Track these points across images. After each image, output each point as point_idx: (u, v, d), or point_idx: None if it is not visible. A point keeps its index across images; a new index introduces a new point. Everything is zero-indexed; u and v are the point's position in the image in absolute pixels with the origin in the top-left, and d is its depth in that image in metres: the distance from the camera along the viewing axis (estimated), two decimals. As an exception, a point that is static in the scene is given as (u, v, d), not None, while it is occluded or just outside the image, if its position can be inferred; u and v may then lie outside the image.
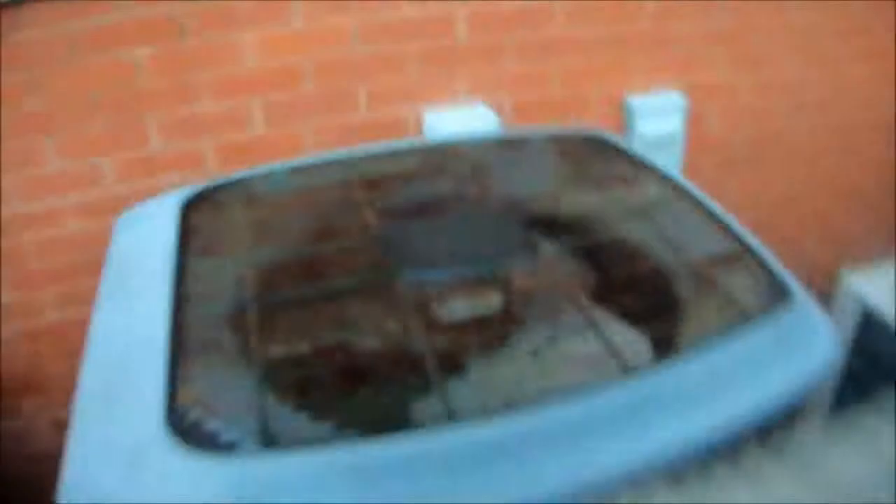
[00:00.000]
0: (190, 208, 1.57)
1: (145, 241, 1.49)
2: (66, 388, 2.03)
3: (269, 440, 1.02)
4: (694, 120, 2.60)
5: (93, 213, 2.25)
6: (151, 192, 1.84)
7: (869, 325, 2.54)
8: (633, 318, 1.22)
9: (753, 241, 1.38)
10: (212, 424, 1.04)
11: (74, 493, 0.99)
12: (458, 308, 1.26)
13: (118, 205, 1.91)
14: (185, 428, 1.03)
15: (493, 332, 1.23)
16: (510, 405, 1.04)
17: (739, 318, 1.19)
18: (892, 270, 2.70)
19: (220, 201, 1.60)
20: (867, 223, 3.16)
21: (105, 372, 1.18)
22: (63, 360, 2.41)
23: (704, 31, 2.54)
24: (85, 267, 2.27)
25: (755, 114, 2.75)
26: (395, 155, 1.73)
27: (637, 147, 1.71)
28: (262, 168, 1.71)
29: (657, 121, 2.50)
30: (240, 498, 0.96)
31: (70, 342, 2.34)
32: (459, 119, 2.29)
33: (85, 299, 2.22)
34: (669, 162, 1.61)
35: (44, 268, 2.33)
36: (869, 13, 2.69)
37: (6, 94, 2.07)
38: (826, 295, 2.67)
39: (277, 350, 1.18)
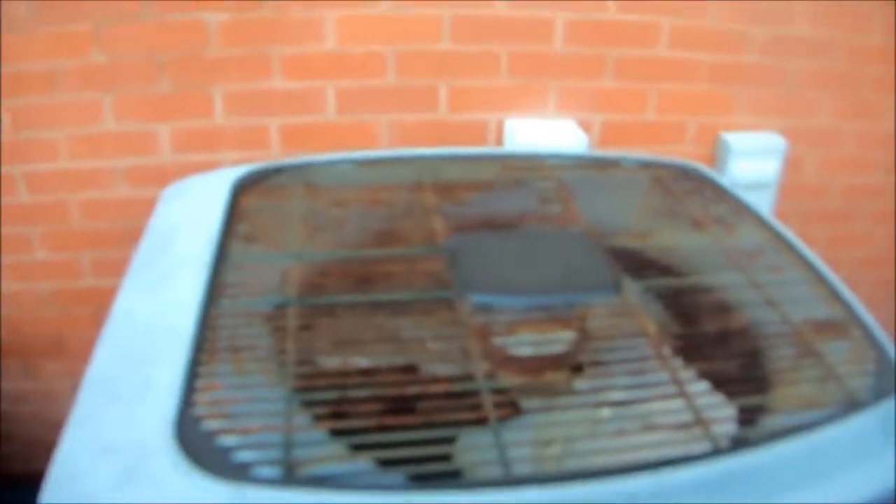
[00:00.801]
0: (242, 188, 1.44)
1: (188, 219, 1.36)
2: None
3: (290, 470, 0.88)
4: (790, 164, 2.44)
5: (144, 181, 2.16)
6: (207, 167, 1.74)
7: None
8: (724, 384, 1.07)
9: (863, 311, 1.22)
10: (226, 441, 0.90)
11: (58, 493, 0.85)
12: (526, 342, 1.11)
13: (171, 175, 1.81)
14: (195, 441, 0.89)
15: (563, 376, 1.08)
16: (575, 470, 0.88)
17: (845, 399, 1.03)
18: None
19: (275, 185, 1.47)
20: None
21: (119, 359, 1.04)
22: (94, 327, 2.32)
23: (814, 72, 2.38)
24: (129, 235, 2.16)
25: (854, 165, 2.60)
26: (473, 161, 1.59)
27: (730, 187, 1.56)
28: (326, 156, 1.58)
29: (753, 161, 2.34)
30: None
31: (103, 310, 2.27)
32: (545, 132, 2.16)
33: (123, 269, 2.17)
34: (761, 206, 1.46)
35: (86, 229, 2.25)
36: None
37: (70, 43, 1.98)
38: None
39: (315, 363, 1.03)
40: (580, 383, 1.07)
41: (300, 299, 1.14)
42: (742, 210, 1.47)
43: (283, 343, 1.06)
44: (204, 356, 1.02)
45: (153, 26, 1.99)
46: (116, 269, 2.13)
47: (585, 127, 2.24)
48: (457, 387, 0.98)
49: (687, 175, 1.59)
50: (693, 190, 1.53)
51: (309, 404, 0.97)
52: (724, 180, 1.59)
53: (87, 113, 2.08)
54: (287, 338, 1.06)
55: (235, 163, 1.68)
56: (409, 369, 1.02)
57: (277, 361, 1.03)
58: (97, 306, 2.30)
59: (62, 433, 0.92)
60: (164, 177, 1.86)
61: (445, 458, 0.90)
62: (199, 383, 0.97)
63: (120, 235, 2.21)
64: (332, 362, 1.04)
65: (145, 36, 2.00)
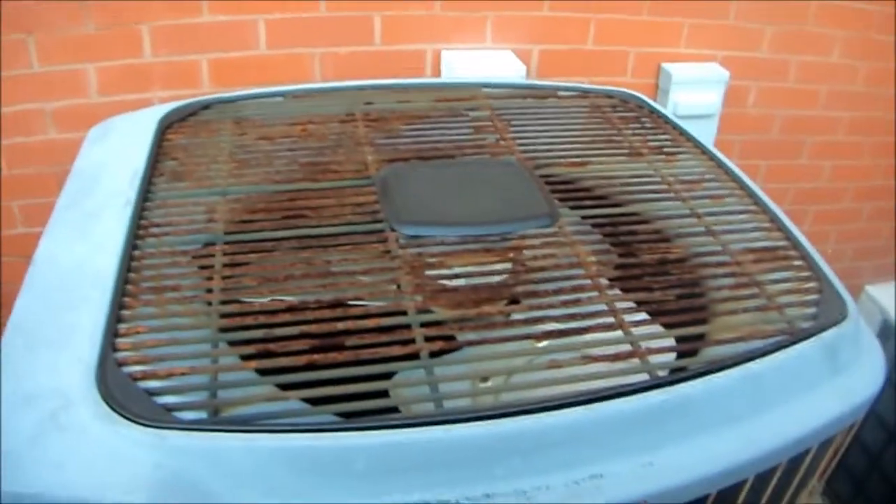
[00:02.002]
0: (169, 126, 1.39)
1: (113, 158, 1.31)
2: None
3: (215, 413, 0.84)
4: (732, 96, 2.43)
5: (72, 123, 2.09)
6: (138, 107, 1.69)
7: (888, 342, 2.39)
8: (662, 314, 1.05)
9: (805, 240, 1.21)
10: (149, 386, 0.86)
11: (-23, 446, 0.81)
12: (460, 274, 1.08)
13: (100, 117, 1.75)
14: (117, 386, 0.85)
15: (497, 308, 1.06)
16: (511, 404, 0.86)
17: (786, 328, 1.02)
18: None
19: (203, 121, 1.42)
20: (893, 234, 3.02)
21: (40, 305, 1.00)
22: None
23: (757, 3, 2.36)
24: (59, 180, 2.10)
25: (798, 99, 2.59)
26: (406, 91, 1.54)
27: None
28: (255, 90, 1.53)
29: (695, 92, 2.33)
30: (169, 478, 0.79)
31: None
32: (482, 63, 2.13)
33: None
34: (703, 137, 1.43)
35: (14, 176, 2.17)
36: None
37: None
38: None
39: (242, 302, 1.00)
40: (515, 315, 1.05)
41: (227, 236, 1.10)
42: (682, 139, 1.45)
43: (209, 282, 1.02)
44: (127, 299, 0.98)
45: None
46: (48, 215, 2.09)
47: (524, 57, 2.20)
48: (388, 321, 0.95)
49: (626, 103, 1.57)
50: (632, 118, 1.51)
51: (236, 344, 0.94)
52: (664, 109, 1.57)
53: (11, 56, 2.00)
54: (213, 276, 1.03)
55: (166, 101, 1.63)
56: (340, 305, 0.99)
57: (203, 301, 1.00)
58: (30, 256, 2.26)
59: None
60: (94, 118, 1.80)
61: (377, 395, 0.87)
62: (122, 327, 0.94)
63: (50, 181, 2.14)
64: (259, 300, 1.00)
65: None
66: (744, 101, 2.52)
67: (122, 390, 0.85)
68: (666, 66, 2.34)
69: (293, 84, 1.56)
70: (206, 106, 1.46)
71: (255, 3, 2.02)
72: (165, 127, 1.38)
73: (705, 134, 2.24)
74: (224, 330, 0.95)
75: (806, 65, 2.54)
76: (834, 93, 2.63)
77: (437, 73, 2.18)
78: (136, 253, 1.06)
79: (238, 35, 2.05)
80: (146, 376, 0.87)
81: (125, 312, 0.96)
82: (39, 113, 2.06)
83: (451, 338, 0.99)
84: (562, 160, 1.34)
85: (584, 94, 1.59)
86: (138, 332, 0.93)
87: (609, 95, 1.59)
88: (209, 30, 2.03)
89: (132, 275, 1.02)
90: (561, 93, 1.59)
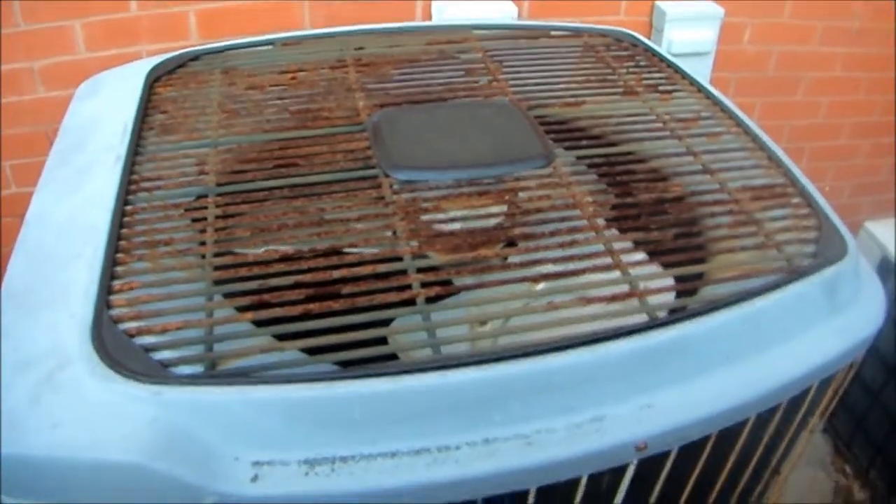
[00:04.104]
0: (158, 79, 1.37)
1: (103, 114, 1.29)
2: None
3: (211, 366, 0.84)
4: (727, 33, 2.40)
5: (61, 81, 2.06)
6: (126, 62, 1.67)
7: (888, 278, 2.38)
8: (660, 254, 1.04)
9: (802, 176, 1.19)
10: (145, 341, 0.86)
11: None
12: (455, 218, 1.07)
13: (88, 73, 1.73)
14: (113, 343, 0.85)
15: (494, 251, 1.05)
16: (510, 348, 0.85)
17: (785, 266, 1.01)
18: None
19: (192, 73, 1.40)
20: (892, 170, 3.01)
21: (34, 264, 0.99)
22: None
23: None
24: (48, 138, 2.10)
25: (792, 34, 2.56)
26: (396, 35, 1.52)
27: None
28: (243, 39, 1.51)
29: (690, 29, 2.30)
30: (166, 433, 0.78)
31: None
32: (474, 8, 2.09)
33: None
34: (699, 75, 1.42)
35: (4, 136, 2.15)
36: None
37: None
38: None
39: (236, 253, 0.99)
40: (512, 258, 1.04)
41: (218, 188, 1.09)
42: (677, 76, 1.43)
43: (202, 235, 1.01)
44: (120, 255, 0.97)
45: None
46: (39, 174, 2.08)
47: (517, 1, 2.17)
48: (384, 268, 0.95)
49: (619, 42, 1.54)
50: (626, 57, 1.49)
51: (231, 296, 0.94)
52: (659, 47, 1.55)
53: (6, 14, 1.97)
54: (206, 229, 1.02)
55: (154, 55, 1.61)
56: (334, 253, 0.98)
57: (197, 254, 0.99)
58: (24, 215, 2.25)
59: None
60: (82, 75, 1.78)
61: (375, 342, 0.86)
62: (116, 283, 0.93)
63: (40, 139, 2.12)
64: (253, 251, 0.99)
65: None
66: (739, 37, 2.49)
67: (117, 347, 0.84)
68: (660, 3, 2.31)
69: (282, 32, 1.54)
70: (194, 57, 1.44)
71: None
72: (154, 80, 1.37)
73: (701, 72, 2.23)
74: (218, 282, 0.94)
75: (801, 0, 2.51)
76: (830, 28, 2.60)
77: (428, 19, 2.15)
78: (128, 208, 1.05)
79: None
80: (141, 332, 0.87)
81: (119, 269, 0.95)
82: (27, 72, 2.03)
83: (447, 283, 0.98)
84: (556, 100, 1.32)
85: (577, 33, 1.57)
86: (132, 288, 0.92)
87: (602, 34, 1.57)
88: None
89: (125, 230, 1.01)
90: (553, 33, 1.57)
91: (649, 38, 2.14)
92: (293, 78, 1.36)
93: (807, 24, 2.57)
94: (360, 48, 1.46)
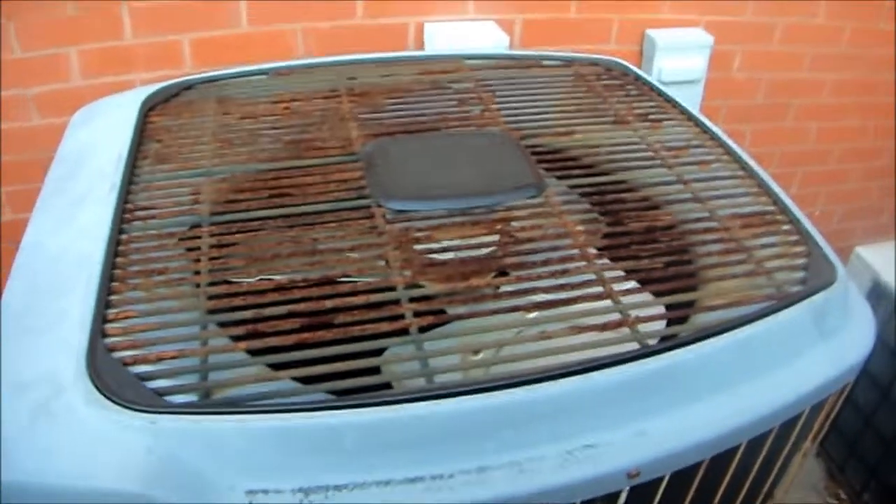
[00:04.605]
0: (152, 107, 1.38)
1: (97, 142, 1.30)
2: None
3: (206, 395, 0.85)
4: (717, 60, 2.43)
5: (55, 108, 2.07)
6: (120, 89, 1.68)
7: (880, 303, 2.39)
8: (651, 282, 1.05)
9: (791, 203, 1.21)
10: (140, 370, 0.86)
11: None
12: (447, 247, 1.08)
13: (83, 100, 1.74)
14: (108, 371, 0.85)
15: (486, 280, 1.06)
16: (502, 377, 0.86)
17: (774, 293, 1.02)
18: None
19: (187, 102, 1.41)
20: (883, 194, 3.03)
21: (29, 291, 1.00)
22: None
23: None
24: (43, 166, 2.10)
25: (783, 62, 2.59)
26: (389, 65, 1.54)
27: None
28: (237, 68, 1.52)
29: (680, 57, 2.33)
30: (161, 462, 0.79)
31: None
32: (466, 34, 2.11)
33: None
34: (689, 103, 1.43)
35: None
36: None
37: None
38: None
39: (230, 282, 1.00)
40: (504, 287, 1.04)
41: (213, 217, 1.10)
42: (667, 105, 1.45)
43: (197, 264, 1.02)
44: (115, 283, 0.98)
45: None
46: (34, 201, 2.09)
47: (507, 27, 2.19)
48: (377, 297, 0.95)
49: (610, 71, 1.56)
50: (616, 86, 1.50)
51: (225, 325, 0.94)
52: (649, 76, 1.56)
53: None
54: (200, 258, 1.03)
55: (149, 83, 1.62)
56: (328, 282, 0.99)
57: (191, 283, 0.99)
58: (18, 242, 2.25)
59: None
60: (77, 103, 1.79)
61: (368, 371, 0.87)
62: (111, 312, 0.94)
63: (35, 167, 2.12)
64: (247, 280, 1.00)
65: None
66: (729, 65, 2.52)
67: (112, 375, 0.85)
68: (650, 32, 2.33)
69: (276, 61, 1.56)
70: (188, 86, 1.45)
71: None
72: (149, 109, 1.38)
73: (691, 99, 2.25)
74: (213, 311, 0.95)
75: (791, 27, 2.53)
76: (819, 55, 2.63)
77: (420, 45, 2.17)
78: (123, 237, 1.06)
79: (219, 13, 2.04)
80: (136, 361, 0.87)
81: (113, 297, 0.96)
82: (21, 99, 2.04)
83: (440, 312, 0.99)
84: (547, 130, 1.34)
85: (568, 62, 1.58)
86: (127, 317, 0.93)
87: (593, 63, 1.58)
88: (190, 8, 2.02)
89: (119, 259, 1.02)
90: (544, 62, 1.58)
91: (640, 66, 2.17)
92: (287, 108, 1.37)
93: (796, 51, 2.59)
94: (353, 78, 1.47)
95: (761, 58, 2.57)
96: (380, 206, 1.11)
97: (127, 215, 1.10)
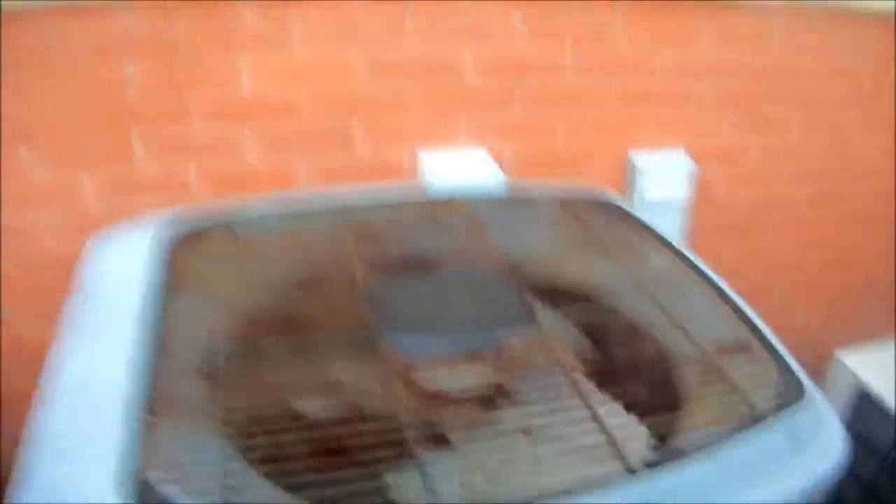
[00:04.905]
0: (169, 239, 1.47)
1: (117, 272, 1.39)
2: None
3: (231, 518, 0.92)
4: (698, 181, 2.54)
5: (72, 231, 2.15)
6: (133, 212, 1.77)
7: (863, 407, 2.47)
8: (635, 406, 1.14)
9: (765, 328, 1.30)
10: (167, 491, 0.94)
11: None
12: (446, 378, 1.17)
13: (98, 223, 1.82)
14: (137, 493, 0.93)
15: (483, 409, 1.14)
16: (498, 499, 0.94)
17: (750, 414, 1.10)
18: (892, 351, 2.65)
19: (200, 234, 1.50)
20: (863, 298, 3.12)
21: (58, 415, 1.07)
22: (29, 379, 2.33)
23: (717, 93, 2.49)
24: (61, 286, 2.17)
25: (759, 179, 2.71)
26: (390, 203, 1.64)
27: (639, 206, 1.63)
28: (248, 203, 1.61)
29: (662, 181, 2.43)
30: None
31: (38, 364, 2.27)
32: (458, 164, 2.22)
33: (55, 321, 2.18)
34: (672, 224, 1.54)
35: (19, 283, 2.25)
36: (876, 83, 2.67)
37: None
38: (817, 372, 2.62)
39: (248, 410, 1.08)
40: (500, 414, 1.13)
41: (230, 348, 1.18)
42: (651, 236, 1.54)
43: (216, 392, 1.10)
44: (142, 409, 1.05)
45: (72, 81, 2.02)
46: (53, 319, 2.16)
47: (498, 157, 2.31)
48: (382, 425, 1.03)
49: (598, 204, 1.66)
50: (603, 219, 1.60)
51: (243, 450, 1.02)
52: (633, 207, 1.66)
53: (11, 169, 2.10)
54: (220, 387, 1.11)
55: (157, 207, 1.71)
56: (337, 410, 1.07)
57: (212, 410, 1.07)
58: (30, 360, 2.31)
59: (7, 492, 0.95)
60: (93, 225, 1.87)
61: (375, 494, 0.95)
62: (139, 436, 1.01)
63: (53, 286, 2.19)
64: (263, 408, 1.08)
65: (65, 90, 2.03)
66: (709, 185, 2.61)
67: (143, 496, 0.92)
68: (633, 156, 2.43)
69: (278, 191, 1.64)
70: (203, 220, 1.54)
71: (241, 114, 2.12)
72: (166, 240, 1.46)
73: (673, 220, 2.35)
74: (232, 437, 1.03)
75: (766, 146, 2.65)
76: (794, 171, 2.74)
77: (415, 172, 2.27)
78: (148, 366, 1.14)
79: (226, 144, 2.14)
80: (161, 483, 0.94)
81: (140, 423, 1.03)
82: (39, 227, 2.16)
83: (442, 438, 1.07)
84: (538, 262, 1.43)
85: (557, 195, 1.68)
86: (154, 441, 1.01)
87: (581, 196, 1.68)
88: (199, 138, 2.12)
89: (145, 386, 1.09)
90: (534, 196, 1.68)
91: (624, 189, 2.27)
92: (296, 246, 1.46)
93: (771, 169, 2.70)
94: (358, 218, 1.57)
95: (739, 177, 2.68)
96: (384, 339, 1.20)
97: (151, 345, 1.18)
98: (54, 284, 2.11)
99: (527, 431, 1.07)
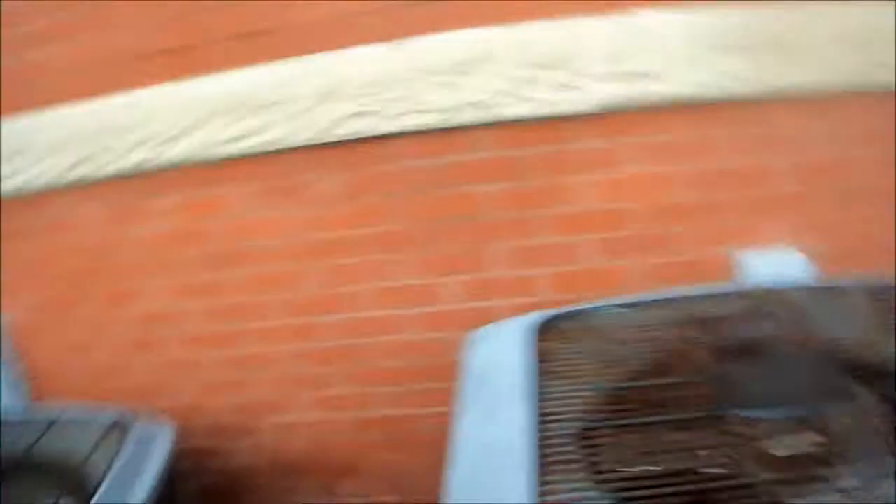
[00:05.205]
0: (540, 332, 1.81)
1: (500, 358, 1.73)
2: (384, 476, 2.52)
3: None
4: None
5: (431, 326, 2.54)
6: (484, 313, 2.15)
7: None
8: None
9: None
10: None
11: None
12: (785, 444, 1.39)
13: (453, 320, 2.22)
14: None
15: (817, 469, 1.33)
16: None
17: None
18: None
19: (563, 329, 1.83)
20: None
21: (472, 473, 1.42)
22: (386, 452, 2.76)
23: None
24: (419, 372, 2.60)
25: None
26: (719, 297, 1.91)
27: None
28: (601, 303, 1.92)
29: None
30: None
31: (394, 438, 2.65)
32: (773, 264, 2.38)
33: (415, 401, 2.54)
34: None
35: (382, 368, 2.64)
36: None
37: (369, 212, 2.46)
38: None
39: (628, 470, 1.36)
40: (831, 475, 1.31)
41: (603, 422, 1.49)
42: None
43: (595, 456, 1.40)
44: (541, 467, 1.37)
45: (439, 198, 2.42)
46: (407, 401, 2.53)
47: (810, 255, 2.39)
48: (732, 482, 1.29)
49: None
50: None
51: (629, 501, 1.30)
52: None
53: (385, 270, 2.51)
54: (599, 452, 1.41)
55: (509, 309, 2.02)
56: (692, 472, 1.33)
57: (598, 471, 1.37)
58: (388, 434, 2.73)
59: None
60: (449, 322, 2.25)
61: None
62: (542, 489, 1.33)
63: (411, 373, 2.61)
64: (641, 469, 1.36)
65: (434, 205, 2.43)
66: None
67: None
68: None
69: (614, 291, 1.95)
70: (566, 315, 1.87)
71: (584, 224, 2.38)
72: (537, 333, 1.80)
73: None
74: (614, 491, 1.32)
75: None
76: None
77: (734, 273, 2.40)
78: (539, 434, 1.46)
79: (567, 253, 2.41)
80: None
81: (541, 478, 1.35)
82: (403, 318, 2.56)
83: (781, 496, 1.29)
84: (856, 345, 1.62)
85: (866, 287, 1.86)
86: (553, 492, 1.32)
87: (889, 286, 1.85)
88: (548, 249, 2.43)
89: (539, 450, 1.42)
90: (845, 287, 1.88)
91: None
92: (647, 334, 1.76)
93: None
94: (693, 310, 1.85)
95: None
96: (731, 412, 1.45)
97: (539, 417, 1.51)
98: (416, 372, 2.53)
99: (853, 489, 1.27)
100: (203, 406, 2.87)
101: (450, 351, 2.43)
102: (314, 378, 2.73)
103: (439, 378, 2.52)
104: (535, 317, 1.86)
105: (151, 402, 2.64)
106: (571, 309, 1.90)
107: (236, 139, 2.45)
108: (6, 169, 2.67)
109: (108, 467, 2.07)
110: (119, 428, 2.31)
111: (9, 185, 2.69)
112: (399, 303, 2.55)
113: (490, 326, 1.91)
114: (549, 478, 1.35)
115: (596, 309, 1.90)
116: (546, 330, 1.81)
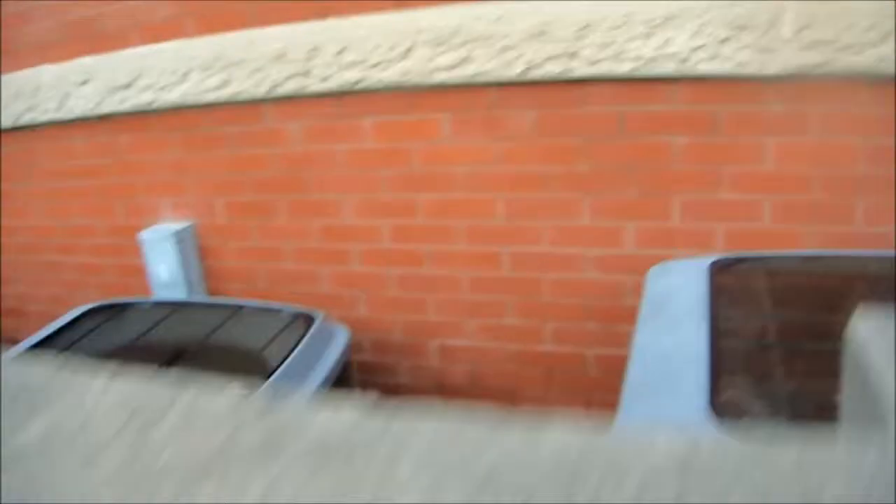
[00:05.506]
0: (714, 270, 1.97)
1: (678, 287, 1.92)
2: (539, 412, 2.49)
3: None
4: None
5: (609, 268, 2.68)
6: (659, 260, 2.29)
7: None
8: None
9: None
10: (735, 413, 1.42)
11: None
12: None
13: (631, 265, 2.40)
14: (726, 410, 1.42)
15: None
16: None
17: None
18: None
19: (737, 268, 1.99)
20: None
21: (649, 371, 1.61)
22: (544, 385, 2.94)
23: None
24: (589, 312, 2.76)
25: None
26: (884, 260, 2.03)
27: None
28: (771, 252, 2.06)
29: None
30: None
31: (554, 372, 2.79)
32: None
33: (580, 340, 2.70)
34: None
35: (553, 303, 2.81)
36: None
37: (559, 152, 2.61)
38: None
39: (792, 380, 1.52)
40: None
41: (773, 344, 1.65)
42: None
43: (770, 368, 1.57)
44: (716, 368, 1.56)
45: (627, 145, 2.54)
46: (573, 338, 2.66)
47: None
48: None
49: None
50: None
51: (795, 404, 1.47)
52: None
53: (568, 209, 2.66)
54: (772, 366, 1.58)
55: (683, 257, 2.15)
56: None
57: (769, 378, 1.56)
58: (548, 368, 2.90)
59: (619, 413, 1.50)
60: (626, 266, 2.41)
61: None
62: (718, 381, 1.52)
63: (581, 311, 2.77)
64: (801, 381, 1.53)
65: (621, 152, 2.56)
66: None
67: (726, 413, 1.42)
68: None
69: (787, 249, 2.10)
70: (740, 259, 2.04)
71: (763, 185, 2.46)
72: (713, 270, 1.96)
73: None
74: (771, 388, 1.48)
75: None
76: None
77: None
78: (715, 344, 1.62)
79: (747, 211, 2.51)
80: (734, 412, 1.42)
81: (717, 375, 1.53)
82: (581, 258, 2.71)
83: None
84: None
85: None
86: (730, 386, 1.48)
87: None
88: (725, 205, 2.53)
89: (716, 357, 1.60)
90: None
91: None
92: (810, 281, 1.95)
93: None
94: (859, 265, 2.02)
95: None
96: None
97: (714, 334, 1.67)
98: (586, 310, 2.67)
99: None
100: (375, 321, 3.12)
101: (622, 294, 2.69)
102: (486, 306, 2.91)
103: (608, 320, 2.75)
104: (712, 257, 2.02)
105: (326, 311, 2.82)
106: (744, 253, 2.05)
107: (443, 69, 2.62)
108: (218, 78, 2.93)
109: (289, 353, 2.33)
110: (302, 320, 2.55)
111: (222, 94, 2.95)
112: (578, 242, 2.70)
113: (670, 261, 2.07)
114: (723, 376, 1.51)
115: (767, 256, 2.04)
116: (721, 268, 1.97)
